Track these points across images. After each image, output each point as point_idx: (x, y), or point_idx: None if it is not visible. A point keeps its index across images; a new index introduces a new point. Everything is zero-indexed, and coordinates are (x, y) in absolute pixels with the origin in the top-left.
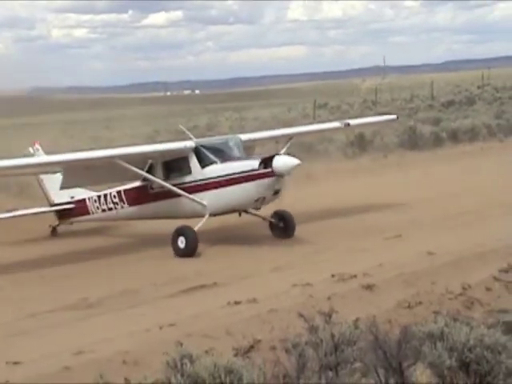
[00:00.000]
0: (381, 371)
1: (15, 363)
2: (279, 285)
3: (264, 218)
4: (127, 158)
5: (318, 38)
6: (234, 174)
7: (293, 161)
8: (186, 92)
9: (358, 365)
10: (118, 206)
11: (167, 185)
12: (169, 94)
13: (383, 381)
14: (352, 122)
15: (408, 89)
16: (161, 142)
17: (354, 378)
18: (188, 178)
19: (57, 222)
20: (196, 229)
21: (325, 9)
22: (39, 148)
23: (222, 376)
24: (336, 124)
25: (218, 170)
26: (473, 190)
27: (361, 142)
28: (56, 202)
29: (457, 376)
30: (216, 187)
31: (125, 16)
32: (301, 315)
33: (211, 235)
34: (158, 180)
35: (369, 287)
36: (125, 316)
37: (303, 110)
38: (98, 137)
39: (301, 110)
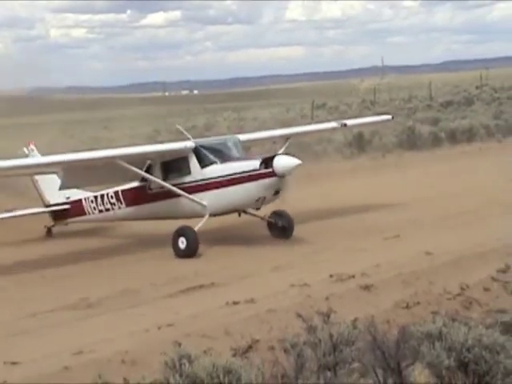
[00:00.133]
0: (379, 371)
1: (14, 363)
2: (278, 285)
3: (262, 218)
4: (128, 158)
5: (316, 38)
6: (234, 174)
7: (293, 161)
8: (184, 92)
9: (356, 365)
10: (116, 207)
11: (168, 185)
12: (167, 94)
13: (381, 381)
14: (349, 122)
15: (406, 89)
16: (160, 142)
17: (353, 378)
18: (187, 179)
19: (52, 223)
20: (196, 229)
21: (324, 9)
22: (34, 148)
23: (221, 376)
24: (333, 124)
25: (218, 170)
26: (471, 190)
27: (359, 142)
28: (51, 202)
29: (455, 376)
30: (216, 187)
31: (123, 16)
32: (299, 315)
33: (210, 235)
34: (159, 181)
35: (367, 287)
36: (124, 316)
37: (301, 111)
38: (98, 137)
39: (299, 110)
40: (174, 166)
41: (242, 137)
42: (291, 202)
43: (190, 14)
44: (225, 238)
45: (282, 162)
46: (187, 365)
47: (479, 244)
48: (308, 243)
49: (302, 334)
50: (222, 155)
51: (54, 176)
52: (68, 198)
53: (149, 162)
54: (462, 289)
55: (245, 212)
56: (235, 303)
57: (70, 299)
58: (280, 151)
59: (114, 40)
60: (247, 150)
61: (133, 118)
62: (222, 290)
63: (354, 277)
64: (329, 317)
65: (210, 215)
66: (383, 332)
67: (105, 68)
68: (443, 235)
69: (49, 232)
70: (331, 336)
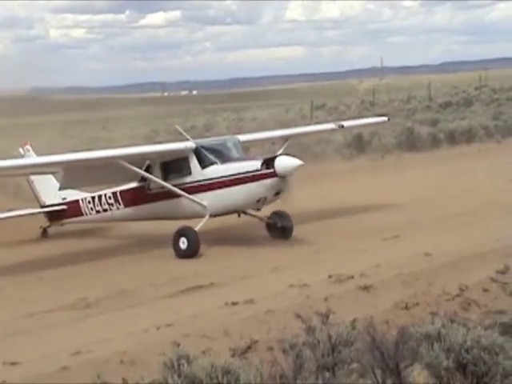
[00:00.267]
0: (378, 372)
1: (13, 363)
2: (277, 285)
3: (261, 219)
4: (130, 158)
5: (316, 39)
6: (235, 174)
7: (295, 161)
8: (184, 92)
9: (355, 365)
10: (114, 207)
11: (169, 186)
12: (166, 94)
13: (380, 381)
14: (346, 123)
15: (406, 90)
16: (159, 142)
17: (351, 378)
18: (188, 179)
19: (48, 224)
20: (196, 229)
21: (323, 9)
22: (30, 149)
23: (219, 376)
24: (331, 125)
25: (219, 170)
26: (471, 191)
27: (359, 143)
28: (47, 203)
29: (454, 377)
30: (217, 188)
31: (122, 16)
32: (298, 316)
33: (210, 236)
34: (161, 181)
35: (366, 288)
36: (123, 316)
37: (301, 111)
38: (97, 137)
39: (298, 110)
40: (173, 166)
41: (242, 137)
42: (291, 203)
43: (189, 14)
44: (225, 239)
45: (284, 162)
46: (186, 365)
47: (478, 245)
48: (307, 244)
49: (301, 334)
50: (222, 156)
51: (50, 176)
52: (64, 198)
53: (148, 162)
54: (461, 290)
55: (244, 213)
56: (234, 304)
57: (69, 299)
58: (279, 152)
59: (113, 40)
60: (246, 150)
61: (132, 118)
62: (222, 290)
63: (352, 277)
64: (328, 317)
65: (211, 216)
66: (382, 333)
67: (104, 68)
68: (442, 236)
69: (44, 233)
70: (330, 337)
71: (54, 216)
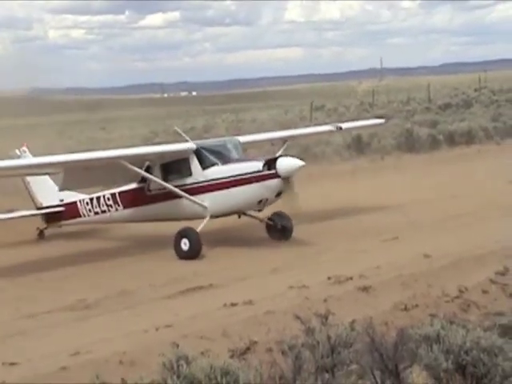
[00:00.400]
0: (377, 373)
1: (12, 364)
2: (276, 286)
3: (261, 220)
4: (132, 159)
5: (315, 40)
6: (237, 175)
7: (297, 162)
8: (183, 93)
9: (354, 367)
10: (112, 209)
11: (170, 187)
12: (166, 95)
13: (379, 383)
14: (344, 125)
15: (405, 91)
16: (158, 143)
17: (351, 379)
18: (188, 180)
19: (44, 225)
20: (198, 230)
21: (322, 9)
22: (26, 150)
23: (218, 377)
24: (329, 127)
25: (220, 171)
26: (470, 192)
27: (358, 145)
28: (44, 204)
29: (453, 378)
30: (218, 189)
31: (122, 17)
32: (297, 317)
33: (210, 237)
34: (163, 182)
35: (365, 289)
36: (122, 317)
37: (300, 112)
38: (97, 138)
39: (298, 112)
40: (174, 167)
41: (242, 139)
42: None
43: (188, 14)
44: (225, 240)
45: (286, 163)
46: (185, 366)
47: (478, 246)
48: (307, 244)
49: (300, 335)
50: (223, 157)
51: (47, 177)
52: (61, 200)
53: (147, 163)
54: (461, 291)
55: (244, 214)
56: (233, 305)
57: (68, 300)
58: (278, 153)
59: (112, 41)
60: (244, 151)
61: (131, 119)
62: (221, 291)
63: (352, 278)
64: (327, 318)
65: (211, 217)
66: (381, 334)
67: (103, 69)
68: (442, 237)
69: (41, 234)
70: (329, 338)
71: (51, 218)
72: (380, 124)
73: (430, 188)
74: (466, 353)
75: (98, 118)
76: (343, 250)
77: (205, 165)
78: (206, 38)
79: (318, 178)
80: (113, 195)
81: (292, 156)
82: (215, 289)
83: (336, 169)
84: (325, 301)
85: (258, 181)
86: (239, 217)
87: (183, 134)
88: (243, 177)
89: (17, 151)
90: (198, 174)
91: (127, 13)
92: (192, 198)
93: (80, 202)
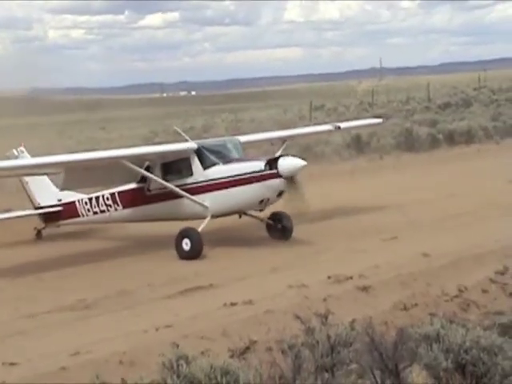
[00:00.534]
0: (377, 373)
1: (12, 364)
2: (276, 286)
3: (262, 220)
4: (133, 158)
5: (314, 40)
6: (239, 175)
7: (299, 162)
8: (182, 93)
9: (354, 366)
10: (112, 209)
11: (172, 186)
12: (165, 95)
13: (379, 382)
14: (342, 125)
15: (404, 91)
16: (159, 143)
17: (350, 379)
18: (189, 180)
19: (42, 225)
20: (199, 230)
21: (321, 9)
22: (23, 150)
23: (218, 377)
24: (328, 127)
25: (221, 171)
26: (470, 192)
27: (357, 144)
28: (42, 204)
29: (453, 377)
30: (219, 188)
31: (121, 17)
32: (297, 317)
33: (211, 237)
34: (164, 182)
35: (365, 289)
36: (122, 317)
37: (299, 112)
38: (97, 138)
39: (297, 111)
40: (174, 166)
41: (242, 138)
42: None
43: (188, 14)
44: (225, 239)
45: (287, 162)
46: (185, 366)
47: (477, 246)
48: (307, 244)
49: (300, 335)
50: (224, 156)
51: (45, 177)
52: (60, 200)
53: (147, 163)
54: (460, 290)
55: (245, 213)
56: (233, 304)
57: (68, 300)
58: (278, 153)
59: (112, 41)
60: (243, 151)
61: (131, 119)
62: (221, 291)
63: (351, 278)
64: (326, 318)
65: (212, 217)
66: (381, 333)
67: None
68: (441, 237)
69: (39, 234)
70: (329, 337)
71: (49, 217)
72: (378, 124)
73: (430, 187)
74: (466, 352)
75: (98, 118)
76: (343, 249)
77: (206, 164)
78: (205, 37)
79: (317, 178)
80: (112, 195)
81: (294, 155)
82: (215, 289)
83: (335, 168)
84: (324, 300)
85: (259, 180)
86: (240, 217)
87: (183, 134)
88: (244, 176)
89: (14, 151)
90: (199, 174)
91: (127, 13)
92: (193, 197)
93: (79, 201)
